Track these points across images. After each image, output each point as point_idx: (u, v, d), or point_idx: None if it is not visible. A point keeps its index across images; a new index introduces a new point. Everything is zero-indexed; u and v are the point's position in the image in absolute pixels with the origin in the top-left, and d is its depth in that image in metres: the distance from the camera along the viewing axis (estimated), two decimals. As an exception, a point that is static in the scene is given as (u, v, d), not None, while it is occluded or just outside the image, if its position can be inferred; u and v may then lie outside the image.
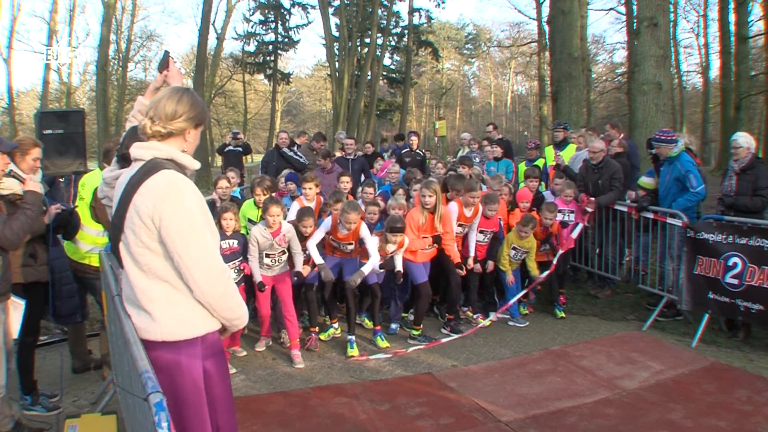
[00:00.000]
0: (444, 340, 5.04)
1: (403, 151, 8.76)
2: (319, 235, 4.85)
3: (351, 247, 4.92)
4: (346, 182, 6.14)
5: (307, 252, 4.78)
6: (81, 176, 4.30)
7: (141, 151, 1.95)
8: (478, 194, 5.27)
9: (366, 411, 3.66)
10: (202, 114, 2.04)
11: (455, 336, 5.14)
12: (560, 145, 7.39)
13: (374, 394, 3.92)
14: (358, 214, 4.75)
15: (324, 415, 3.62)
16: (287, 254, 4.69)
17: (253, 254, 4.55)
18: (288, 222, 5.05)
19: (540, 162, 7.65)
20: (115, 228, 1.95)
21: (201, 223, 1.90)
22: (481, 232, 5.50)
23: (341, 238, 4.84)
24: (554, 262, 5.67)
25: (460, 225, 5.34)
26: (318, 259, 4.78)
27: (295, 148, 7.96)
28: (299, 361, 4.47)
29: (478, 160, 7.71)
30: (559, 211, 5.88)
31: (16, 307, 3.26)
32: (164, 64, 2.45)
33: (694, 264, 5.05)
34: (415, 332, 5.08)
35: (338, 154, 8.68)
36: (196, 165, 2.06)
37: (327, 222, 4.89)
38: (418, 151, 8.80)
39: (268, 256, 4.57)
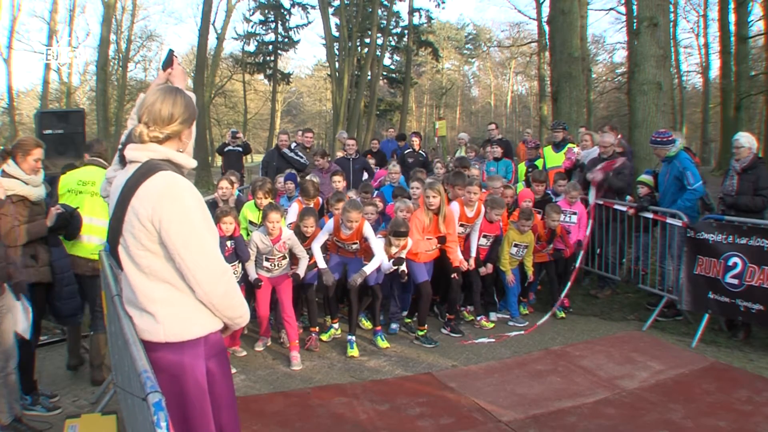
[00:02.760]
0: (477, 341, 5.06)
1: (406, 152, 8.74)
2: (322, 237, 4.86)
3: (356, 247, 4.92)
4: (338, 182, 6.11)
5: (311, 254, 4.79)
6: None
7: (136, 153, 1.93)
8: (476, 190, 5.27)
9: (366, 411, 3.66)
10: (194, 113, 2.04)
11: (485, 339, 5.13)
12: (559, 146, 7.38)
13: (374, 394, 3.92)
14: (360, 212, 4.75)
15: (324, 415, 3.62)
16: (288, 259, 4.70)
17: (251, 257, 4.58)
18: (289, 224, 5.04)
19: (539, 162, 7.64)
20: (113, 231, 1.93)
21: (201, 223, 1.89)
22: (485, 236, 5.50)
23: (345, 238, 4.84)
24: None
25: (461, 225, 5.34)
26: (321, 263, 4.80)
27: (296, 148, 7.95)
28: (297, 363, 4.46)
29: (477, 166, 7.69)
30: (562, 212, 5.89)
31: (25, 310, 3.26)
32: (168, 62, 2.44)
33: (694, 264, 5.05)
34: (420, 332, 5.07)
35: (340, 154, 8.67)
36: (192, 163, 2.05)
37: (329, 224, 4.90)
38: (420, 151, 8.79)
39: (268, 260, 4.58)
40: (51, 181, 4.69)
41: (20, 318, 3.23)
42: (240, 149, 10.14)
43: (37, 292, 3.57)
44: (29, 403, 3.61)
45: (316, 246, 4.81)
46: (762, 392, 3.92)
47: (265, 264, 4.59)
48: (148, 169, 1.88)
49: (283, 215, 4.74)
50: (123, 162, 2.11)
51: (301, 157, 7.67)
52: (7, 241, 3.35)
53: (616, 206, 6.01)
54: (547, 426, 3.46)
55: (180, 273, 1.87)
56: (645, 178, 6.11)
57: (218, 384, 2.06)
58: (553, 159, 7.26)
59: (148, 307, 1.89)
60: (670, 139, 5.61)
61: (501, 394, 3.92)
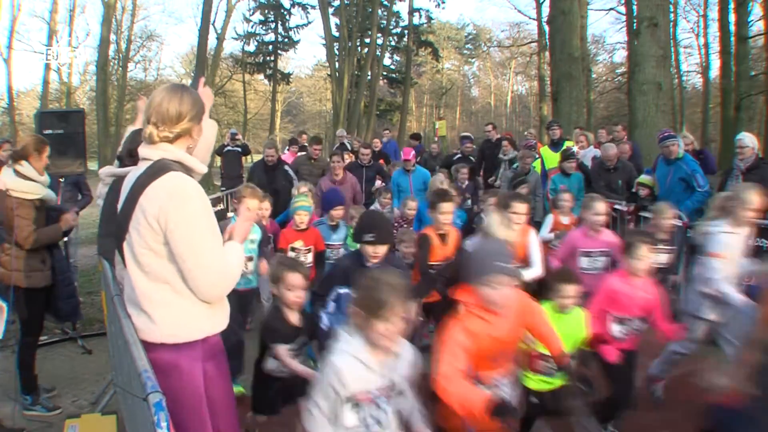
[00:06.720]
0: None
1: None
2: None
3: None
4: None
5: None
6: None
7: (149, 151, 1.94)
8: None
9: (366, 411, 3.65)
10: (202, 109, 2.03)
11: None
12: (557, 144, 7.36)
13: (374, 394, 3.91)
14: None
15: (324, 415, 3.61)
16: None
17: None
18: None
19: (537, 163, 7.59)
20: (119, 227, 1.95)
21: (206, 226, 1.90)
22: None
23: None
24: None
25: None
26: None
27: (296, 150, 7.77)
28: None
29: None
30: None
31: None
32: (194, 86, 2.48)
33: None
34: None
35: (346, 158, 8.35)
36: (203, 169, 2.05)
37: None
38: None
39: None
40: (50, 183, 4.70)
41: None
42: (239, 150, 10.15)
43: (39, 295, 3.58)
44: (29, 403, 3.62)
45: None
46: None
47: None
48: (158, 169, 1.88)
49: None
50: (122, 163, 2.12)
51: (289, 173, 6.89)
52: (26, 244, 3.33)
53: (615, 206, 6.00)
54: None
55: (181, 274, 1.88)
56: (645, 178, 6.09)
57: (216, 386, 2.06)
58: (552, 159, 7.19)
59: (145, 306, 1.90)
60: (671, 133, 5.77)
61: (501, 394, 3.91)
